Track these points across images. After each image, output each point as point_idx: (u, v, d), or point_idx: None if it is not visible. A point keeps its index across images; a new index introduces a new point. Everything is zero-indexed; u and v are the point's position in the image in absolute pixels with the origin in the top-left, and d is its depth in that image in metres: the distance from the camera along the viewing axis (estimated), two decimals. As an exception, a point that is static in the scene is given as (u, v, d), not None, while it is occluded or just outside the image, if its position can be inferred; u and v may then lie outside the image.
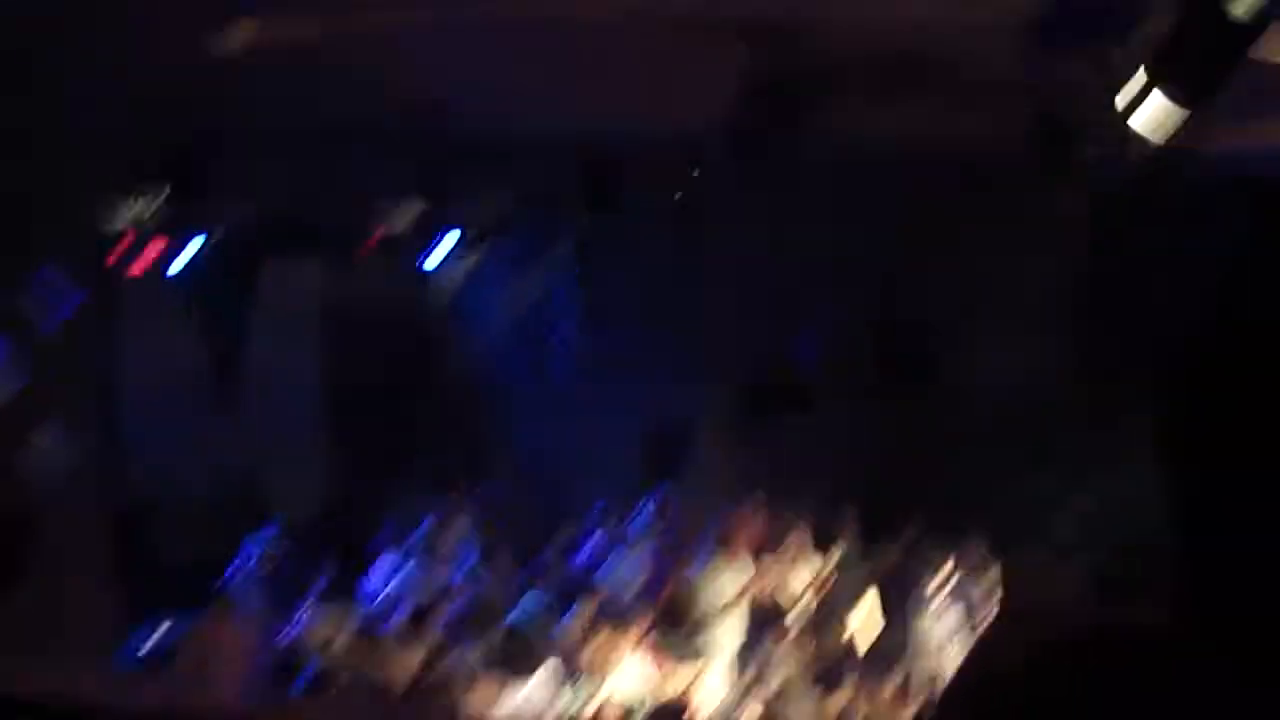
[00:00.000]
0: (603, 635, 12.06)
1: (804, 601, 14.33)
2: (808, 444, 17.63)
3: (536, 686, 11.77)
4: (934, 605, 14.22)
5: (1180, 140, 7.03)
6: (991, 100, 10.43)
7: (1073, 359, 17.97)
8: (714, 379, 18.30)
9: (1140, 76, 6.48)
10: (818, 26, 8.40)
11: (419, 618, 13.54)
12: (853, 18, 8.38)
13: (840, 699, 13.65)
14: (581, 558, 15.35)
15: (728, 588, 14.38)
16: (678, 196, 17.53)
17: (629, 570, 14.86)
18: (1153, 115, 6.28)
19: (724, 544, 14.77)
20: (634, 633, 12.87)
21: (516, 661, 12.07)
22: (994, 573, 14.84)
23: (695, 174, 17.78)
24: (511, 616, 13.65)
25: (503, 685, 11.91)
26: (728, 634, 14.04)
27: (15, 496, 11.01)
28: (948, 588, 14.25)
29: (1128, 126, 6.41)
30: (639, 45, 9.66)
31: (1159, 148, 7.70)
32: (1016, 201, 13.15)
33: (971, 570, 14.57)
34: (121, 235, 14.70)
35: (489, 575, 14.89)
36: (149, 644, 13.61)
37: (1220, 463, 1.44)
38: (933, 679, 14.13)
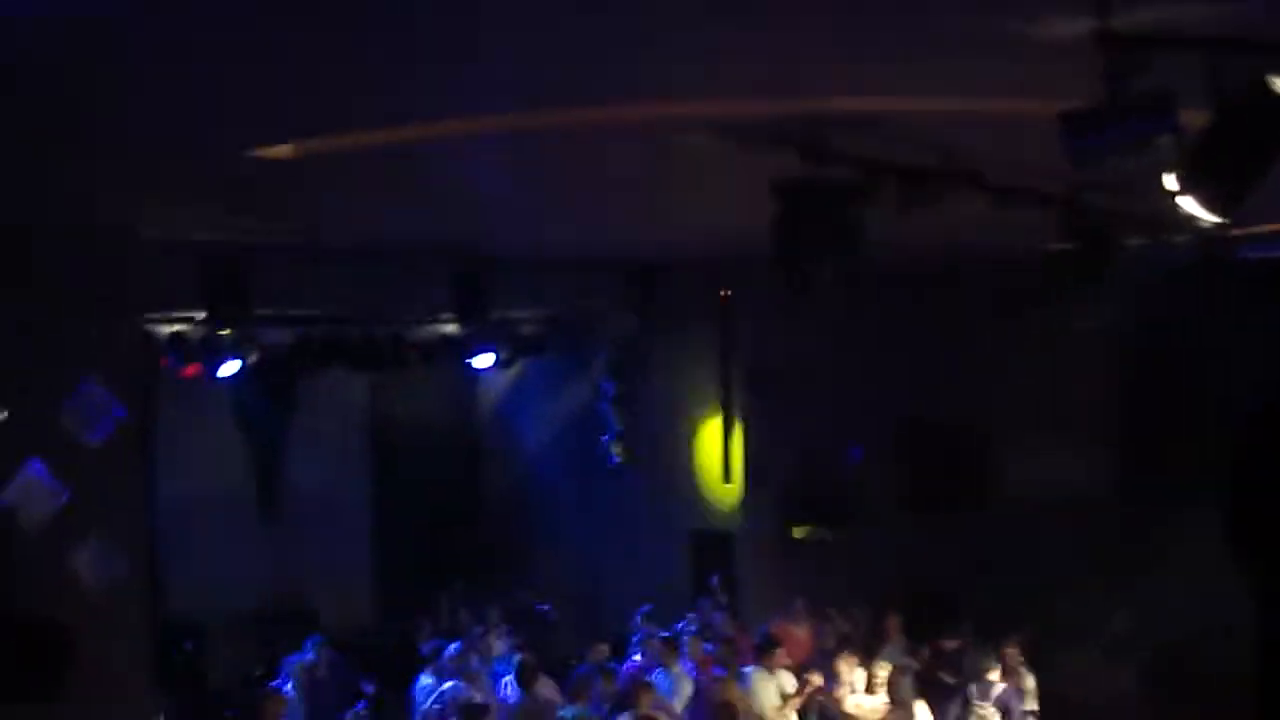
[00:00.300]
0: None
1: (851, 708, 14.21)
2: (852, 551, 17.56)
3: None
4: (985, 701, 14.10)
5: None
6: (1032, 203, 10.44)
7: (1118, 463, 17.89)
8: (756, 487, 18.25)
9: (1173, 179, 6.47)
10: (856, 133, 8.43)
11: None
12: (893, 122, 8.42)
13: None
14: (625, 671, 15.23)
15: (774, 698, 14.25)
16: (724, 295, 17.62)
17: (673, 683, 14.74)
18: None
19: (768, 654, 14.64)
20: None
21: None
22: (1034, 675, 14.75)
23: (730, 287, 17.93)
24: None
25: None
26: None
27: (57, 611, 11.01)
28: (995, 691, 14.12)
29: (1177, 210, 6.38)
30: (680, 156, 9.71)
31: (1209, 228, 7.69)
32: (1061, 307, 13.10)
33: (1018, 673, 14.45)
34: (166, 348, 14.81)
35: (530, 690, 14.77)
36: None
37: None
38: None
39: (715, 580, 17.18)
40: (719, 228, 13.96)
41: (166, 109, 7.75)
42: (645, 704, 13.70)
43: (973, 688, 14.29)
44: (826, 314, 16.11)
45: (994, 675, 14.22)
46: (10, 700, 10.31)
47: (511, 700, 14.58)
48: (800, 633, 16.04)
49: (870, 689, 14.42)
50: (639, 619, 16.51)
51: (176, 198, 11.00)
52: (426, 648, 16.37)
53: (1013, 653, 14.55)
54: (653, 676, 14.70)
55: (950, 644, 15.64)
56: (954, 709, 14.55)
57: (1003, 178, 9.96)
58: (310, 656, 15.04)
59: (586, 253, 16.31)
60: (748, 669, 14.73)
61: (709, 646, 15.73)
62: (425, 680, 15.33)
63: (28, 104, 7.35)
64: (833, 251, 9.06)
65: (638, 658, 15.80)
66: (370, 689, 15.13)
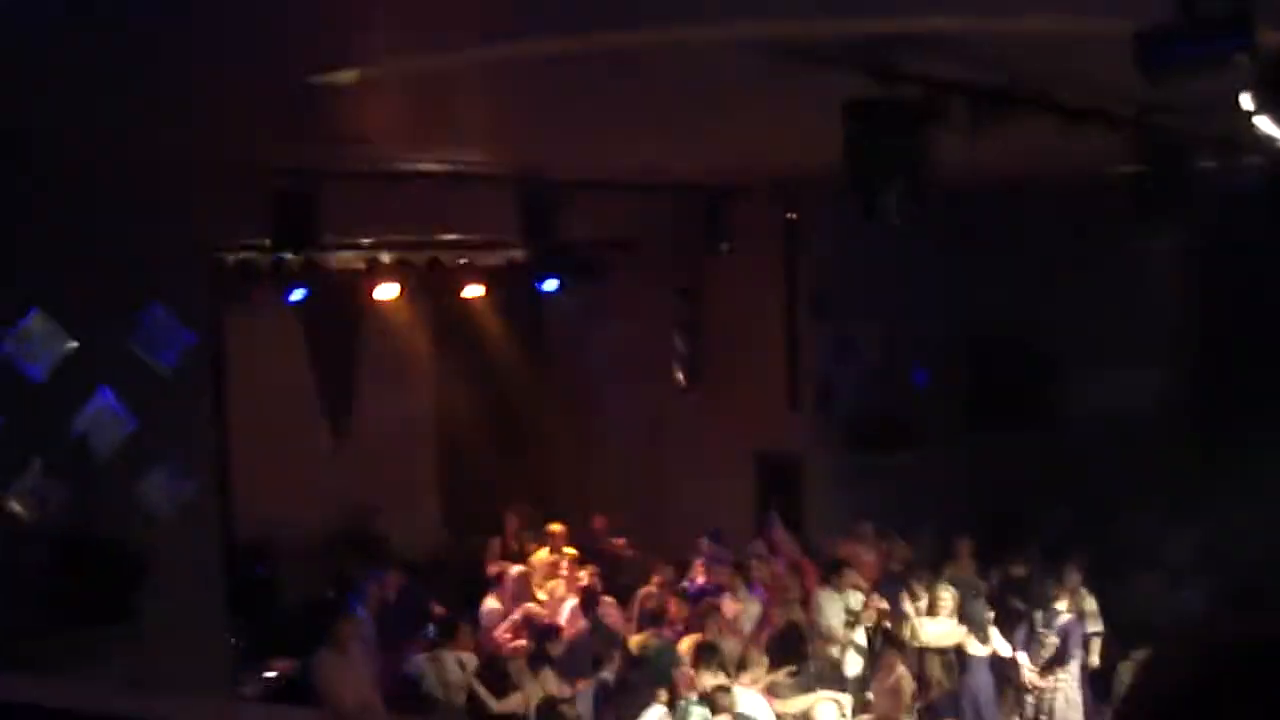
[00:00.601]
0: (716, 669, 11.98)
1: (916, 629, 14.27)
2: (919, 474, 17.53)
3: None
4: (1049, 629, 14.13)
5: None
6: (1105, 122, 10.33)
7: (1186, 385, 17.77)
8: (822, 410, 18.22)
9: (1248, 99, 6.37)
10: (925, 52, 8.35)
11: (536, 653, 13.55)
12: (960, 42, 8.33)
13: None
14: (692, 594, 15.31)
15: (841, 618, 14.30)
16: (790, 217, 17.56)
17: (739, 606, 14.81)
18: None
19: (837, 575, 14.66)
20: (748, 666, 12.79)
21: (635, 694, 12.04)
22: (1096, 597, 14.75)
23: (796, 210, 17.85)
24: (627, 650, 13.67)
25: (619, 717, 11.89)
26: (842, 664, 13.98)
27: (129, 535, 11.13)
28: (1059, 620, 14.14)
29: (1249, 131, 6.29)
30: (744, 77, 9.64)
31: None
32: (1129, 228, 12.98)
33: (1078, 594, 14.45)
34: (236, 275, 14.91)
35: (600, 612, 14.88)
36: (264, 682, 13.72)
37: None
38: (1045, 701, 14.09)
39: (773, 513, 17.13)
40: (786, 150, 13.88)
41: (233, 34, 7.74)
42: (713, 628, 13.78)
43: (1038, 615, 14.31)
44: (892, 235, 16.02)
45: (1060, 604, 14.23)
46: (84, 623, 10.45)
47: (578, 623, 14.70)
48: (867, 555, 16.05)
49: (933, 611, 14.43)
50: (704, 541, 16.56)
51: (244, 125, 11.02)
52: (494, 570, 16.52)
53: (1075, 576, 14.53)
54: (720, 599, 14.79)
55: (1018, 569, 15.63)
56: (1020, 635, 14.58)
57: (1072, 99, 9.85)
58: (380, 579, 15.18)
59: (653, 176, 16.26)
60: (815, 591, 14.77)
61: (778, 566, 15.80)
62: (492, 603, 15.47)
63: (96, 32, 7.36)
64: (903, 173, 8.99)
65: (700, 579, 15.89)
66: (439, 611, 15.27)
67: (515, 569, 16.03)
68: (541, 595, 15.58)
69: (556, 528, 16.50)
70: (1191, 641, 1.26)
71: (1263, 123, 6.20)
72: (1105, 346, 17.81)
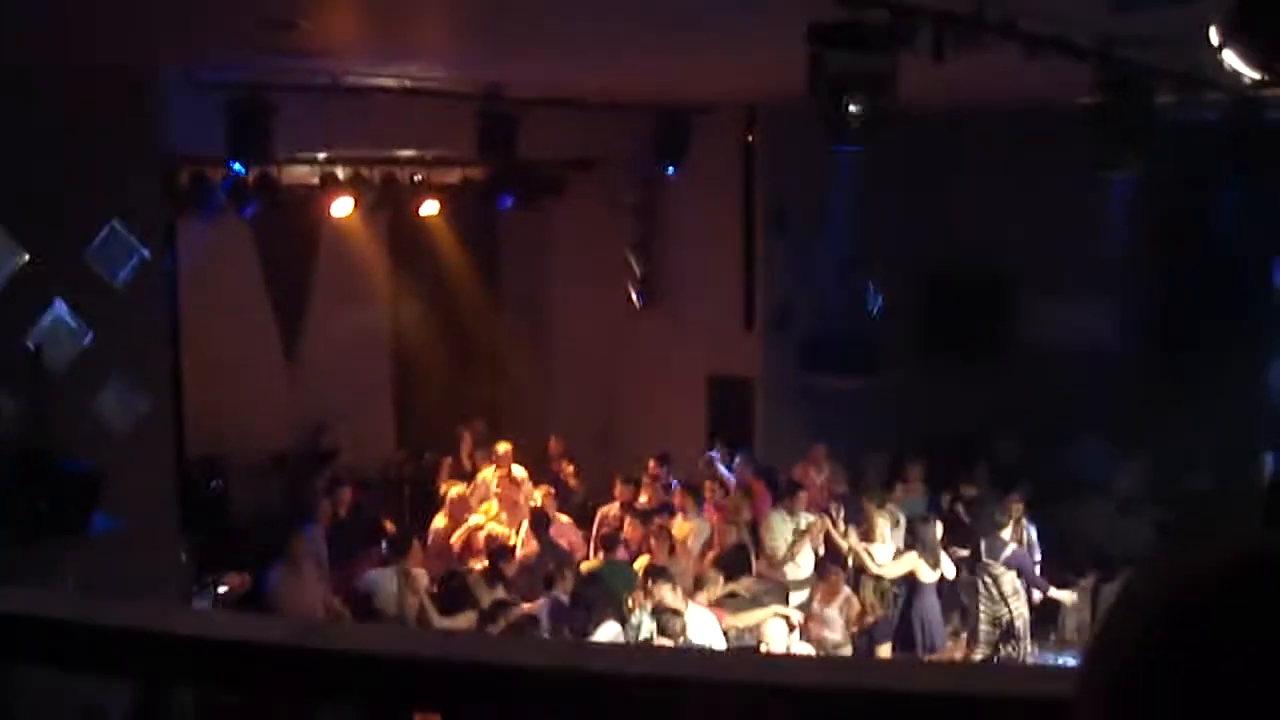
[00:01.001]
0: (668, 589, 12.04)
1: (864, 550, 14.34)
2: (873, 399, 17.63)
3: (605, 636, 11.78)
4: (995, 560, 14.21)
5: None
6: (1068, 52, 10.32)
7: (1139, 316, 17.92)
8: (776, 333, 18.27)
9: (1215, 33, 6.36)
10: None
11: (490, 571, 13.61)
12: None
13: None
14: (643, 513, 15.36)
15: (788, 539, 14.38)
16: (748, 139, 17.54)
17: (691, 527, 14.89)
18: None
19: (790, 497, 14.74)
20: (703, 586, 12.86)
21: (588, 612, 12.10)
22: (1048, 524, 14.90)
23: (753, 131, 17.82)
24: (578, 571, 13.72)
25: (572, 633, 11.93)
26: (787, 585, 14.08)
27: (83, 449, 11.08)
28: (1006, 551, 14.21)
29: (1212, 66, 6.29)
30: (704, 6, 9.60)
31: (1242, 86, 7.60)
32: (1088, 159, 13.00)
33: (1019, 525, 14.54)
34: (190, 189, 14.81)
35: (554, 532, 14.93)
36: (216, 596, 13.73)
37: None
38: (1002, 623, 14.20)
39: (714, 453, 17.10)
40: (745, 71, 13.83)
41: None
42: (663, 549, 13.86)
43: (983, 544, 14.37)
44: (850, 159, 16.02)
45: (1006, 533, 14.27)
46: (38, 537, 10.42)
47: (531, 543, 14.74)
48: (818, 477, 16.16)
49: (870, 538, 14.48)
50: (653, 464, 16.60)
51: (198, 38, 10.91)
52: (445, 488, 16.52)
53: (1019, 505, 14.60)
54: (670, 520, 14.86)
55: (969, 491, 15.76)
56: (968, 559, 14.70)
57: (1037, 27, 9.83)
58: (333, 495, 15.17)
59: (610, 95, 16.19)
60: (766, 513, 14.85)
61: (728, 486, 15.89)
62: (440, 521, 15.49)
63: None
64: (867, 97, 8.98)
65: (644, 499, 15.93)
66: (391, 528, 15.30)
67: (455, 490, 16.03)
68: (478, 517, 15.57)
69: (503, 447, 16.47)
70: (1173, 564, 1.26)
71: (1229, 57, 6.19)
72: (1061, 277, 17.91)
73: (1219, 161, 15.05)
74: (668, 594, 11.85)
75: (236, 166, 14.58)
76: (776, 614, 13.07)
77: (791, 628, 12.94)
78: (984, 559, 14.32)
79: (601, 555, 14.44)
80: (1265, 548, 1.23)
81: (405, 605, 12.80)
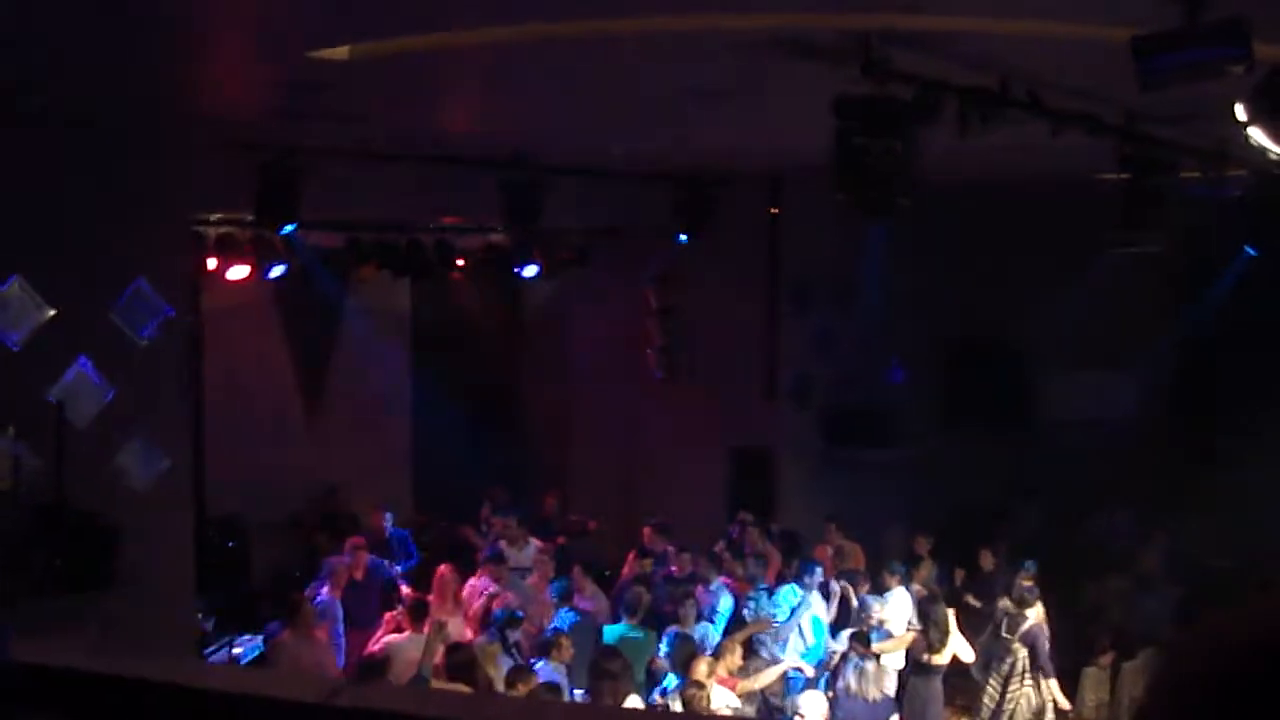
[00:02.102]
0: (689, 660, 11.99)
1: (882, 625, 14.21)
2: (893, 471, 17.59)
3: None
4: (1012, 636, 14.08)
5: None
6: (1088, 129, 10.36)
7: (1158, 391, 17.89)
8: (798, 404, 18.26)
9: (1241, 110, 6.40)
10: (917, 49, 8.37)
11: (504, 634, 13.51)
12: (953, 41, 8.36)
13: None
14: (665, 585, 15.29)
15: (807, 613, 14.31)
16: (772, 210, 17.58)
17: (711, 597, 14.82)
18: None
19: (805, 573, 14.67)
20: (722, 656, 12.78)
21: (609, 681, 12.01)
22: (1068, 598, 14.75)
23: (778, 203, 17.87)
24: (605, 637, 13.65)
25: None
26: (809, 659, 13.98)
27: (104, 505, 11.10)
28: (1024, 625, 14.08)
29: (1237, 142, 6.33)
30: (734, 70, 9.66)
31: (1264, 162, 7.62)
32: (1108, 234, 13.03)
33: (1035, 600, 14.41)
34: (216, 249, 14.88)
35: (574, 598, 14.85)
36: (232, 653, 13.70)
37: None
38: (1012, 698, 14.04)
39: (734, 529, 17.02)
40: (769, 142, 13.90)
41: (225, 7, 7.72)
42: (687, 618, 13.80)
43: (1004, 620, 14.24)
44: (873, 231, 16.07)
45: (1030, 611, 14.10)
46: (58, 592, 10.43)
47: (559, 605, 14.67)
48: (835, 549, 16.12)
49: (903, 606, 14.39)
50: (648, 530, 16.55)
51: (231, 99, 11.00)
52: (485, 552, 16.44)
53: (1027, 582, 14.46)
54: (693, 589, 14.80)
55: (986, 566, 15.68)
56: (984, 637, 14.56)
57: (1061, 102, 9.88)
58: (348, 559, 15.14)
59: (636, 164, 16.27)
60: (783, 586, 14.78)
61: (746, 560, 15.82)
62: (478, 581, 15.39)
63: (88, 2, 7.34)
64: (891, 171, 9.01)
65: (674, 568, 15.87)
66: (408, 592, 15.25)
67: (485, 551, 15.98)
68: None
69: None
70: (1211, 635, 1.27)
71: (1255, 133, 6.22)
72: (1081, 351, 17.90)
73: (1241, 235, 15.05)
74: (702, 668, 11.79)
75: (262, 228, 14.63)
76: (789, 667, 13.05)
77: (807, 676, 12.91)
78: (1002, 634, 14.19)
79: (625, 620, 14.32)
80: None
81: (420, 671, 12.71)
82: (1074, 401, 17.94)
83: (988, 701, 14.22)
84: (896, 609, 14.44)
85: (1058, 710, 14.10)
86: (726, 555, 15.79)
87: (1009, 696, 14.08)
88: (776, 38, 8.48)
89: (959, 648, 13.99)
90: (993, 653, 14.28)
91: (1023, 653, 14.01)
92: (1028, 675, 14.05)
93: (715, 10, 8.04)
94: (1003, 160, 12.15)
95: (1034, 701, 14.09)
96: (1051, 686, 14.04)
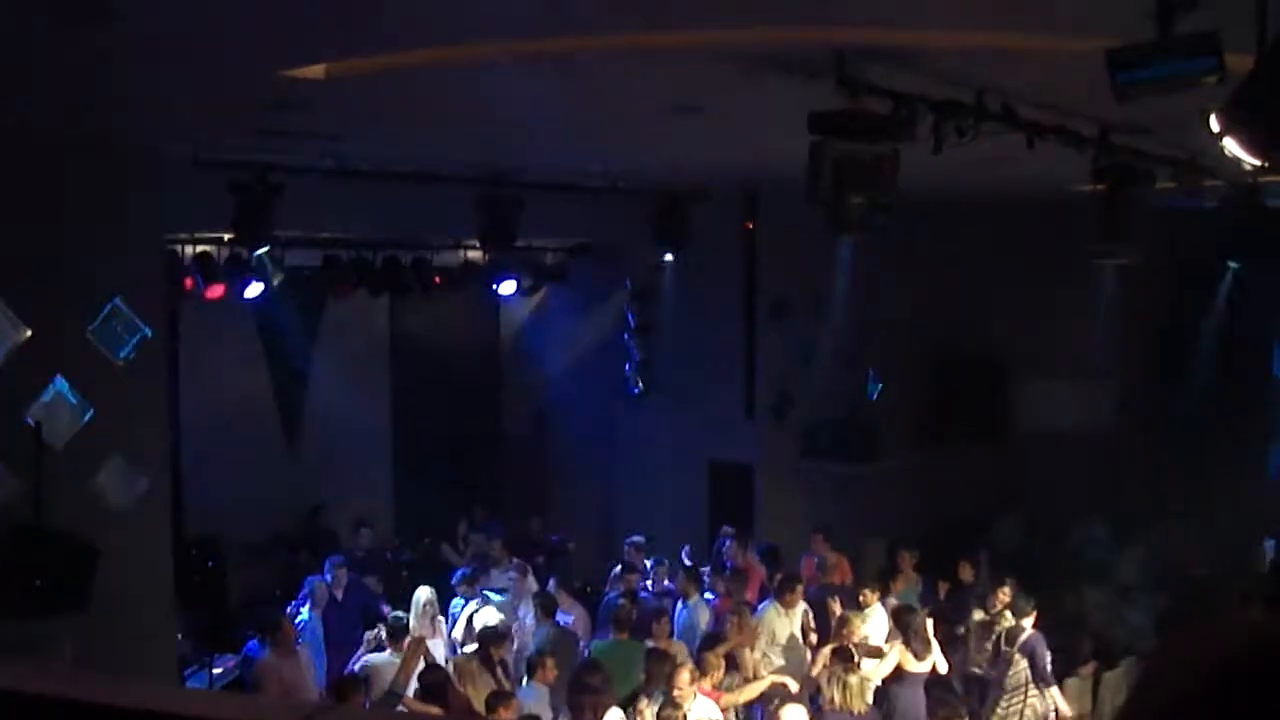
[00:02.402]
0: (686, 673, 11.98)
1: (865, 639, 14.18)
2: (873, 485, 17.62)
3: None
4: (1012, 642, 14.07)
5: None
6: (1063, 142, 10.39)
7: (1136, 402, 17.94)
8: (777, 419, 18.28)
9: (1215, 121, 6.42)
10: (892, 64, 8.39)
11: (486, 652, 13.47)
12: (927, 55, 8.38)
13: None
14: (648, 599, 15.29)
15: (788, 628, 14.29)
16: (748, 225, 17.61)
17: (690, 613, 14.81)
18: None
19: (789, 590, 14.65)
20: (706, 671, 12.76)
21: (590, 695, 11.98)
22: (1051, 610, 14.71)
23: (754, 218, 17.90)
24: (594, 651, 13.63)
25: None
26: (789, 674, 13.94)
27: (82, 526, 11.07)
28: (1023, 636, 14.06)
29: (1211, 153, 6.36)
30: (708, 85, 9.68)
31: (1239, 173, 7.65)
32: (1085, 245, 13.07)
33: (1030, 610, 14.39)
34: (192, 269, 14.85)
35: (556, 614, 14.83)
36: (211, 673, 13.66)
37: None
38: (1015, 710, 14.02)
39: (736, 509, 17.10)
40: (745, 158, 13.91)
41: (197, 28, 7.70)
42: (663, 634, 13.78)
43: (1002, 634, 14.20)
44: (850, 246, 16.10)
45: (1026, 621, 14.08)
46: (34, 614, 10.39)
47: (531, 626, 14.65)
48: (817, 563, 16.13)
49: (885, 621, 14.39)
50: (629, 547, 16.58)
51: (205, 118, 10.98)
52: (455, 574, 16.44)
53: (1006, 592, 14.47)
54: (675, 606, 14.80)
55: (966, 578, 15.68)
56: (965, 650, 14.55)
57: (1037, 116, 9.91)
58: (329, 578, 15.12)
59: (612, 181, 16.28)
60: (765, 602, 14.78)
61: (727, 574, 15.82)
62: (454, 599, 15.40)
63: (58, 22, 7.31)
64: (867, 186, 9.03)
65: (648, 583, 15.88)
66: (388, 612, 15.22)
67: (459, 572, 15.97)
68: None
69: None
70: (1194, 645, 1.27)
71: (1230, 144, 6.24)
72: (1060, 363, 17.95)
73: (1217, 247, 15.12)
74: (684, 678, 11.77)
75: (239, 247, 14.61)
76: (774, 683, 13.05)
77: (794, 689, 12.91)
78: (1003, 648, 14.17)
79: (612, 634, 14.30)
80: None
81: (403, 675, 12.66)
82: (1052, 415, 17.98)
83: (999, 715, 14.20)
84: (876, 624, 14.44)
85: (1060, 718, 14.10)
86: (709, 571, 15.79)
87: (1013, 709, 14.08)
88: (751, 53, 8.50)
89: (938, 657, 14.02)
90: (996, 667, 14.26)
91: (1023, 663, 14.00)
92: (1031, 686, 14.04)
93: (690, 27, 8.04)
94: (979, 174, 12.18)
95: (1039, 710, 14.09)
96: (1054, 694, 14.03)
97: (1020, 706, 14.05)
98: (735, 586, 15.37)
